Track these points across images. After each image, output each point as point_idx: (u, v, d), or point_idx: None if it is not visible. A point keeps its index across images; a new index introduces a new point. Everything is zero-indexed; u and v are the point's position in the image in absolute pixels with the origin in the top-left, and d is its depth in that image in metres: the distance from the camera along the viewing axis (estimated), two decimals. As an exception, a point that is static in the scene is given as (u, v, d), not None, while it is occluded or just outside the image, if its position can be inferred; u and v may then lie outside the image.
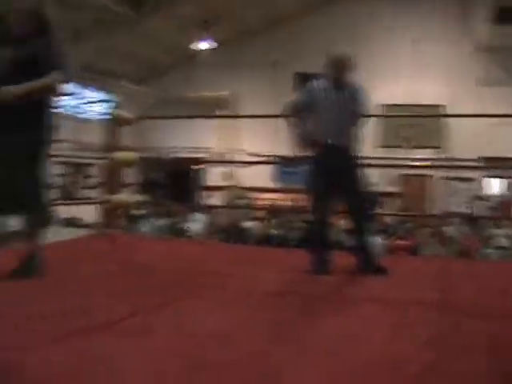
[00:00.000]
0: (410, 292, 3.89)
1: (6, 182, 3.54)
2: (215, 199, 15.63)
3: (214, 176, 16.46)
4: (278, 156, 16.00)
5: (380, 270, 4.46)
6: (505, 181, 14.84)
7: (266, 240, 9.99)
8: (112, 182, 6.30)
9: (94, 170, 16.55)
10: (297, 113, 4.68)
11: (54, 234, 7.05)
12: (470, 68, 14.16)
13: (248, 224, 10.68)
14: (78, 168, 16.53)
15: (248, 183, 14.87)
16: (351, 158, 4.61)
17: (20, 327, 2.57)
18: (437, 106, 14.06)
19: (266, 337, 2.67)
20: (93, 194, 16.51)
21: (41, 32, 3.67)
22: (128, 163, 6.26)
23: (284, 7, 15.85)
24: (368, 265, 4.50)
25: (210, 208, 12.30)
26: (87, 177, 16.86)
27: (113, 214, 6.23)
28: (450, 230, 11.51)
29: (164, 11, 13.91)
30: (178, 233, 10.25)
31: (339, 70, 4.53)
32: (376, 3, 14.97)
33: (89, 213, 13.58)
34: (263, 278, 4.23)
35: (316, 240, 4.61)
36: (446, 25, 14.49)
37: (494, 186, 14.96)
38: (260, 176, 15.06)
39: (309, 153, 4.63)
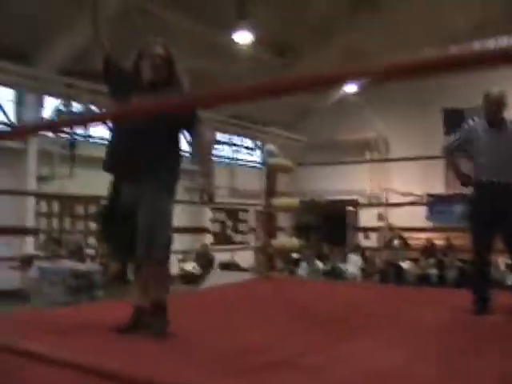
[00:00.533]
0: None
1: (143, 229, 3.39)
2: (370, 240, 15.64)
3: (368, 217, 16.47)
4: (431, 195, 15.86)
5: None
6: None
7: (423, 279, 9.93)
8: (271, 226, 6.63)
9: (247, 216, 17.21)
10: (456, 153, 4.80)
11: (218, 277, 7.52)
12: None
13: (405, 264, 10.65)
14: (232, 213, 17.19)
15: (401, 223, 14.77)
16: None
17: (202, 363, 2.81)
18: None
19: (439, 375, 2.74)
20: (246, 238, 17.19)
21: (172, 80, 3.59)
22: (290, 209, 6.59)
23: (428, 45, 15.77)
24: None
25: (365, 249, 12.36)
26: (241, 222, 17.50)
27: (273, 257, 6.55)
28: None
29: (308, 56, 14.35)
30: (336, 275, 10.42)
31: (497, 108, 4.57)
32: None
33: (242, 257, 14.19)
34: (425, 317, 4.30)
35: (477, 279, 4.62)
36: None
37: None
38: (413, 215, 14.92)
39: (470, 191, 4.72)
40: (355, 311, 4.62)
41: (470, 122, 4.71)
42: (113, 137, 3.69)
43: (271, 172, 6.53)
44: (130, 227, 3.40)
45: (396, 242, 12.49)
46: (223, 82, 12.49)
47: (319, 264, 10.74)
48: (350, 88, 15.99)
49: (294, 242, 6.52)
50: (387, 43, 14.42)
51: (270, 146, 6.41)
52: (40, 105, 11.81)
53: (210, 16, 11.33)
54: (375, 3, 12.82)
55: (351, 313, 4.51)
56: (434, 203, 15.74)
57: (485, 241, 4.59)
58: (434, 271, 10.29)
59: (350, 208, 17.07)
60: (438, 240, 14.25)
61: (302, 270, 10.50)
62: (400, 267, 10.35)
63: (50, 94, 11.98)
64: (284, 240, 6.63)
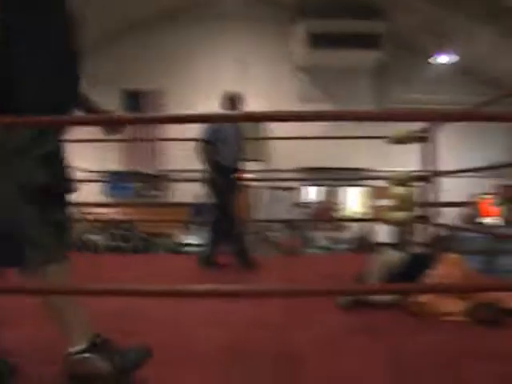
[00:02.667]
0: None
1: None
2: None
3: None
4: (107, 171, 16.35)
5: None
6: (321, 188, 16.33)
7: (114, 250, 10.50)
8: None
9: None
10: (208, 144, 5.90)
11: None
12: (291, 87, 15.50)
13: (95, 237, 11.09)
14: None
15: (80, 198, 14.95)
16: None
17: None
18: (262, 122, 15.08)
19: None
20: None
21: None
22: None
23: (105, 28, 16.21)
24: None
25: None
26: None
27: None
28: (274, 234, 12.63)
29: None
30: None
31: (235, 105, 5.89)
32: (199, 24, 15.80)
33: None
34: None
35: (218, 230, 5.97)
36: (268, 46, 15.72)
37: (313, 194, 16.39)
38: (92, 191, 15.28)
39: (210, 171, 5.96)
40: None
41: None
42: None
43: None
44: None
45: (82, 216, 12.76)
46: None
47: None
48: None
49: None
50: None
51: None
52: None
53: None
54: None
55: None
56: (111, 179, 16.32)
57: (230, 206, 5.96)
58: (122, 242, 10.87)
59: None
60: (116, 214, 14.88)
61: None
62: (91, 239, 10.78)
63: None
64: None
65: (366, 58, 14.39)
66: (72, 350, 2.47)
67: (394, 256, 4.64)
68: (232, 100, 5.97)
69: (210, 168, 5.86)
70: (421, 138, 6.05)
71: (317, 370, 2.80)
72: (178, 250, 11.81)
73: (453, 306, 3.84)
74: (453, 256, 4.52)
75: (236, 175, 6.02)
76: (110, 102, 15.58)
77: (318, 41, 13.96)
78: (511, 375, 2.66)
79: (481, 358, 2.91)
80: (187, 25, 15.83)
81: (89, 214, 13.31)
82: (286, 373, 2.75)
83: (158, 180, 15.72)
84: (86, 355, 2.45)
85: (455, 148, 14.51)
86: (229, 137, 5.83)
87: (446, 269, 4.17)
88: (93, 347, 2.46)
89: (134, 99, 16.30)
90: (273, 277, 5.42)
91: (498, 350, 3.08)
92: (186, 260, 6.25)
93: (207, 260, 5.99)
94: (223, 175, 5.83)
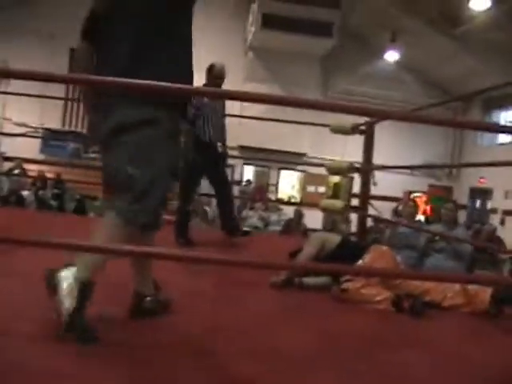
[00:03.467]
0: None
1: None
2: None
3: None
4: (47, 128, 16.07)
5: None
6: (258, 169, 16.49)
7: (45, 207, 10.40)
8: None
9: None
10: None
11: None
12: (239, 65, 15.50)
13: (25, 192, 10.95)
14: None
15: (15, 153, 14.67)
16: None
17: None
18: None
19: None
20: None
21: None
22: None
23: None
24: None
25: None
26: None
27: None
28: (210, 209, 12.72)
29: None
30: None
31: (220, 80, 5.73)
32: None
33: None
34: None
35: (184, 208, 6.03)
36: (222, 22, 15.72)
37: (249, 173, 16.54)
38: (27, 146, 14.96)
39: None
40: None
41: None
42: None
43: None
44: None
45: (17, 172, 12.55)
46: None
47: None
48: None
49: None
50: None
51: None
52: None
53: None
54: None
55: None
56: (49, 137, 16.06)
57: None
58: (52, 201, 10.79)
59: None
60: (49, 173, 14.65)
61: None
62: (21, 196, 10.65)
63: None
64: None
65: (317, 44, 14.56)
66: (67, 270, 2.59)
67: (326, 238, 4.77)
68: (213, 74, 5.77)
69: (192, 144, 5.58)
70: (360, 131, 6.13)
71: (252, 339, 2.94)
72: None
73: (378, 294, 4.01)
74: (382, 248, 4.70)
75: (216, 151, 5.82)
76: (58, 61, 15.27)
77: (271, 22, 14.06)
78: (437, 362, 2.85)
79: (404, 345, 3.10)
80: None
81: (24, 169, 13.13)
82: (224, 341, 2.87)
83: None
84: (70, 281, 2.54)
85: (394, 146, 14.88)
86: (212, 113, 5.64)
87: (374, 259, 4.33)
88: (81, 284, 2.55)
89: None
90: (208, 250, 5.51)
91: (420, 339, 3.28)
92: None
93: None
94: (203, 151, 5.63)
